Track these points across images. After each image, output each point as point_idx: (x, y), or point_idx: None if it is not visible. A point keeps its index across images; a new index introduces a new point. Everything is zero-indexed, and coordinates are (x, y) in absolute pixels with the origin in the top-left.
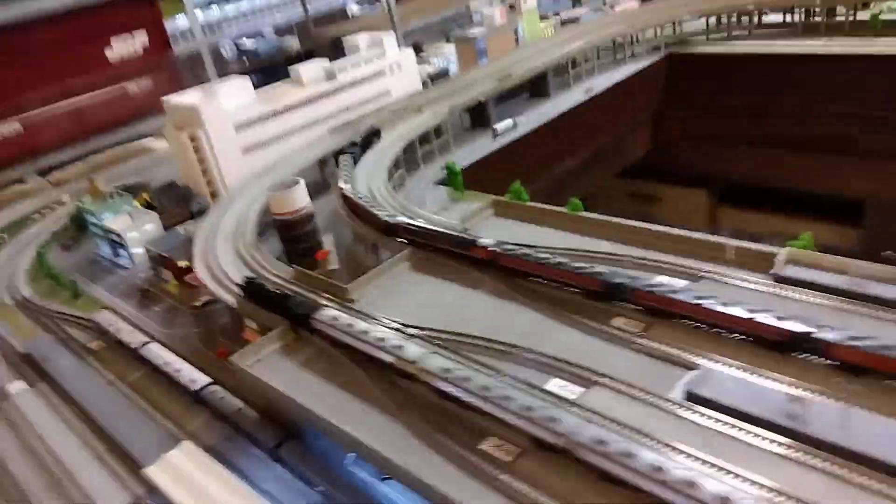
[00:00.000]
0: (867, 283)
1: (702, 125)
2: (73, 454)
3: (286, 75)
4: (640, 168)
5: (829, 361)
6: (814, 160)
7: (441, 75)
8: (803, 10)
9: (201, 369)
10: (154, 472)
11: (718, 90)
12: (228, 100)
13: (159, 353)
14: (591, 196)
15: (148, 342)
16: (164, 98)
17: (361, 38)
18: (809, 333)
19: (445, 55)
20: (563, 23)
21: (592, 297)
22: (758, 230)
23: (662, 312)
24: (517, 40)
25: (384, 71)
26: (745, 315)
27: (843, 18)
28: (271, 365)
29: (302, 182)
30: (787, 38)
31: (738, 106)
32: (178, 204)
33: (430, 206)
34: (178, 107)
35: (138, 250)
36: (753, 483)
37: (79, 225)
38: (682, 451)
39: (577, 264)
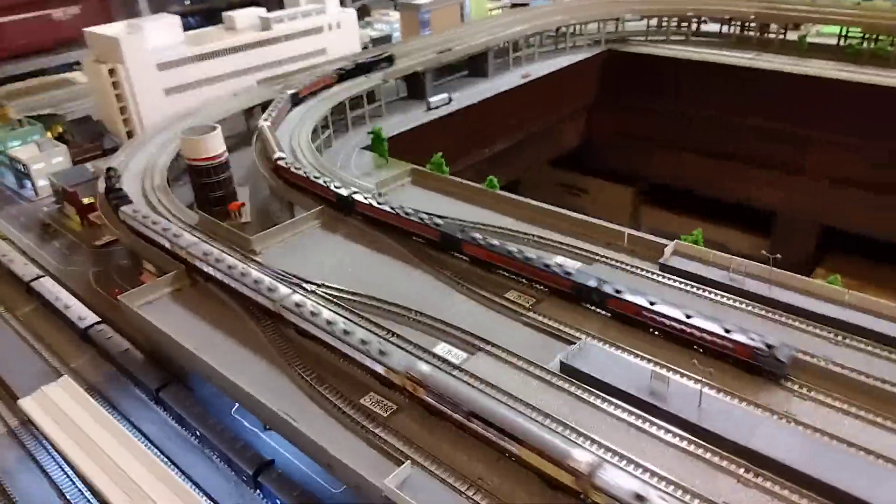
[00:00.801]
0: (745, 280)
1: (632, 124)
2: None
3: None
4: (572, 159)
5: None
6: (732, 169)
7: (383, 40)
8: (739, 23)
9: (93, 308)
10: (29, 404)
11: (651, 91)
12: (154, 37)
13: (50, 289)
14: (521, 182)
15: (40, 276)
16: (86, 29)
17: None
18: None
19: (390, 21)
20: (514, 5)
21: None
22: (675, 231)
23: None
24: (462, 16)
25: (322, 28)
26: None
27: (773, 36)
28: (161, 308)
29: (219, 129)
30: (720, 49)
31: (667, 110)
32: (91, 139)
33: (353, 171)
34: (99, 38)
35: (44, 182)
36: (615, 454)
37: None
38: (550, 417)
39: (423, 218)
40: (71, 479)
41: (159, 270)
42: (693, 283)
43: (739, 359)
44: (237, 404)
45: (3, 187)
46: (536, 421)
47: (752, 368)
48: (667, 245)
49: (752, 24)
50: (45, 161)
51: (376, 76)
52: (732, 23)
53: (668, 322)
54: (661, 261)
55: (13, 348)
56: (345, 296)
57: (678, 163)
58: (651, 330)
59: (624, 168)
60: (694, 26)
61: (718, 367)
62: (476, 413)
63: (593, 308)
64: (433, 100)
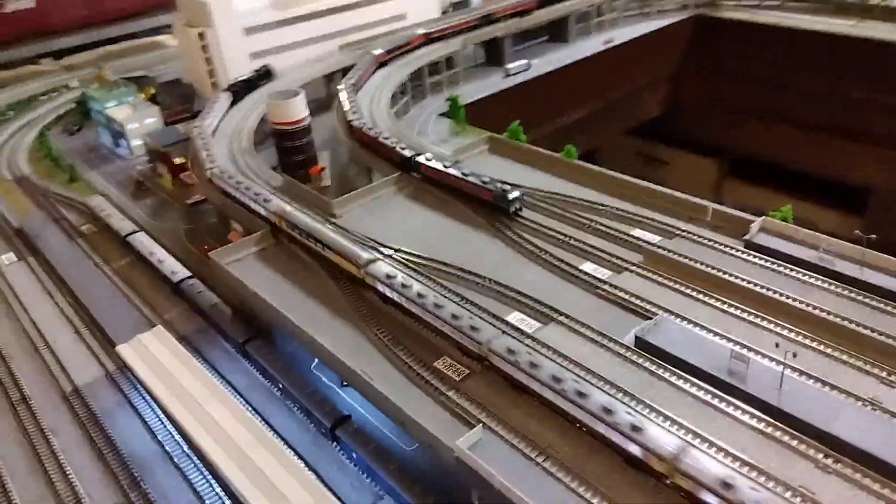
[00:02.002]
0: (835, 261)
1: (719, 93)
2: (54, 325)
3: None
4: (651, 129)
5: None
6: (827, 143)
7: (462, 5)
8: None
9: (184, 263)
10: (125, 350)
11: (741, 59)
12: (242, 1)
13: (145, 243)
14: (599, 151)
15: (136, 231)
16: None
17: None
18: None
19: None
20: None
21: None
22: (760, 207)
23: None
24: None
25: None
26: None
27: (876, 1)
28: (248, 265)
29: (302, 93)
30: (818, 15)
31: (758, 78)
32: (182, 101)
33: (430, 137)
34: (190, 2)
35: (137, 142)
36: (690, 432)
37: (83, 111)
38: (624, 392)
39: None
40: (162, 422)
41: (246, 230)
42: (780, 262)
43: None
44: (317, 360)
45: (100, 146)
46: (610, 395)
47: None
48: (753, 221)
49: None
50: (139, 122)
51: (456, 41)
52: None
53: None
54: (746, 237)
55: (110, 298)
56: (421, 261)
57: (769, 134)
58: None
59: (708, 139)
60: None
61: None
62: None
63: (671, 284)
64: (511, 66)
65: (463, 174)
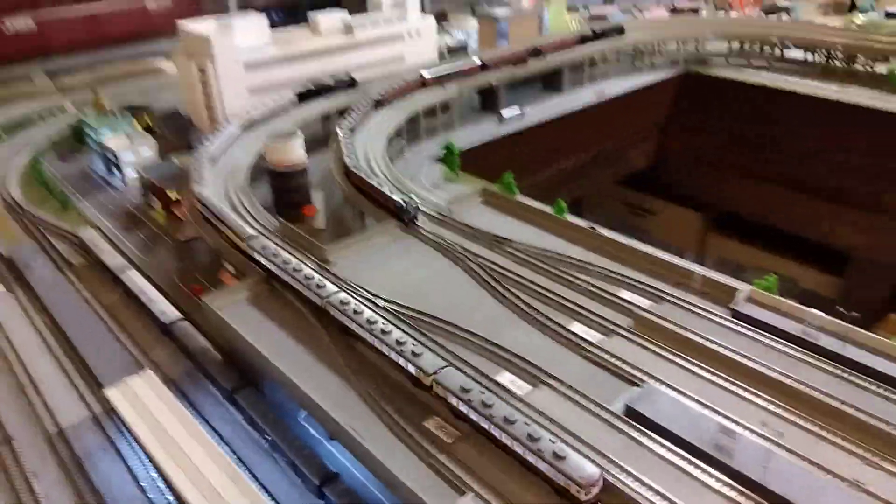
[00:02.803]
0: (819, 335)
1: (706, 149)
2: (40, 363)
3: (305, 14)
4: (639, 179)
5: None
6: (808, 204)
7: (459, 49)
8: (825, 52)
9: (174, 303)
10: (113, 394)
11: (729, 117)
12: (243, 37)
13: (136, 281)
14: (586, 199)
15: (127, 267)
16: (180, 22)
17: None
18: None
19: (467, 30)
20: (592, 18)
21: None
22: (743, 262)
23: None
24: (540, 28)
25: (403, 35)
26: None
27: (861, 68)
28: (240, 311)
29: (300, 136)
30: (805, 77)
31: (744, 136)
32: (178, 133)
33: (423, 182)
34: (191, 35)
35: (131, 172)
36: None
37: (77, 137)
38: (613, 461)
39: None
40: (146, 469)
41: (238, 272)
42: (766, 334)
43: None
44: (304, 412)
45: (93, 174)
46: (596, 464)
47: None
48: (739, 290)
49: (839, 55)
50: (134, 152)
51: (452, 88)
52: (818, 51)
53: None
54: (733, 306)
55: (99, 336)
56: (413, 314)
57: (752, 192)
58: None
59: (694, 193)
60: (777, 52)
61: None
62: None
63: (659, 351)
64: (505, 112)
65: (378, 184)
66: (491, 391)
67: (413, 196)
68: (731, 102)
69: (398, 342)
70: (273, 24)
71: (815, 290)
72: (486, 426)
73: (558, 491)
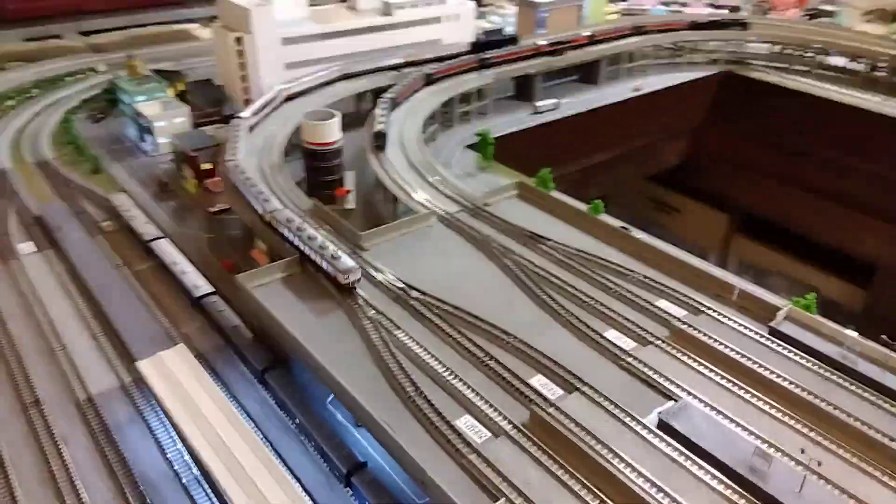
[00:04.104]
0: (858, 360)
1: (738, 151)
2: (71, 327)
3: None
4: (667, 175)
5: None
6: (839, 213)
7: (496, 33)
8: (869, 62)
9: (205, 275)
10: (146, 366)
11: (764, 120)
12: (282, 10)
13: (169, 251)
14: (612, 191)
15: (160, 237)
16: None
17: None
18: None
19: (505, 15)
20: (629, 10)
21: None
22: (766, 267)
23: None
24: (580, 19)
25: (441, 18)
26: None
27: None
28: (274, 291)
29: (338, 116)
30: (846, 86)
31: (779, 141)
32: (212, 104)
33: (454, 169)
34: (230, 6)
35: (164, 140)
36: None
37: (110, 99)
38: (644, 476)
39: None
40: (175, 443)
41: (271, 251)
42: (804, 355)
43: None
44: (333, 396)
45: (125, 138)
46: (629, 477)
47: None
48: (778, 307)
49: (882, 66)
50: (168, 120)
51: (489, 74)
52: (861, 60)
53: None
54: (772, 324)
55: (129, 304)
56: (448, 308)
57: (782, 197)
58: None
59: (722, 193)
60: (819, 58)
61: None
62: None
63: (695, 364)
64: (540, 104)
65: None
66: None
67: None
68: (769, 106)
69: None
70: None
71: (837, 299)
72: (296, 242)
73: (335, 283)
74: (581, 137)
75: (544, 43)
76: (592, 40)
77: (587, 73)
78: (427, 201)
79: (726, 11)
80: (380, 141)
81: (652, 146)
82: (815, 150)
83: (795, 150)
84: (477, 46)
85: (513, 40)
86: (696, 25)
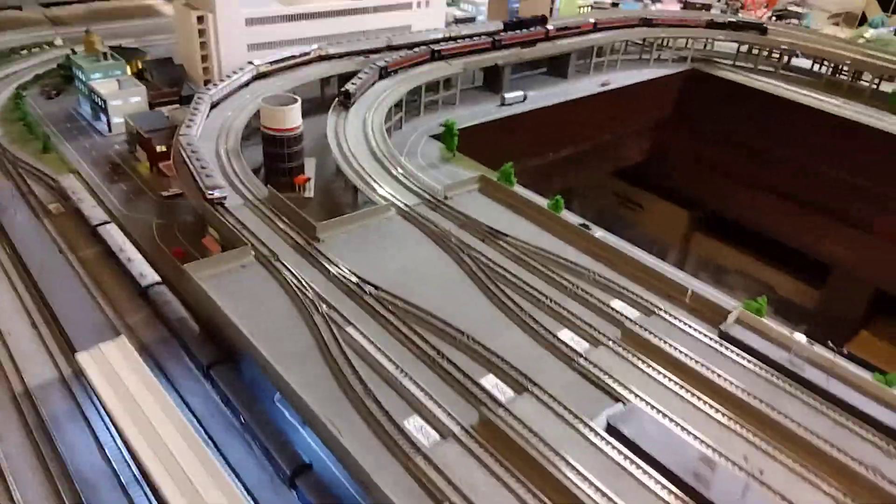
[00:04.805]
0: (805, 366)
1: (702, 149)
2: (9, 314)
3: None
4: (632, 171)
5: None
6: (799, 214)
7: (467, 20)
8: (832, 65)
9: (154, 264)
10: (85, 359)
11: (729, 120)
12: None
13: (115, 237)
14: (577, 185)
15: (107, 222)
16: None
17: None
18: None
19: (476, 3)
20: (598, 3)
21: None
22: (724, 264)
23: None
24: (552, 10)
25: (412, 5)
26: None
27: (867, 84)
28: (224, 283)
29: (298, 102)
30: (808, 88)
31: (741, 142)
32: (171, 84)
33: (418, 159)
34: None
35: (119, 120)
36: None
37: (65, 75)
38: (588, 480)
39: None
40: (114, 440)
41: (223, 240)
42: (750, 358)
43: None
44: (279, 395)
45: (79, 116)
46: (573, 482)
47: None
48: (730, 311)
49: (846, 69)
50: (123, 99)
51: (457, 63)
52: (825, 63)
53: None
54: (721, 327)
55: (73, 292)
56: (400, 304)
57: (743, 196)
58: None
59: (684, 191)
60: (785, 59)
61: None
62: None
63: (645, 367)
64: (508, 96)
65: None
66: None
67: (407, 176)
68: (732, 106)
69: None
70: None
71: (791, 298)
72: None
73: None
74: (548, 131)
75: (552, 28)
76: (596, 28)
77: (556, 67)
78: (387, 192)
79: (701, 9)
80: (346, 99)
81: (617, 142)
82: (777, 150)
83: (758, 151)
84: (507, 26)
85: (543, 20)
86: (713, 25)
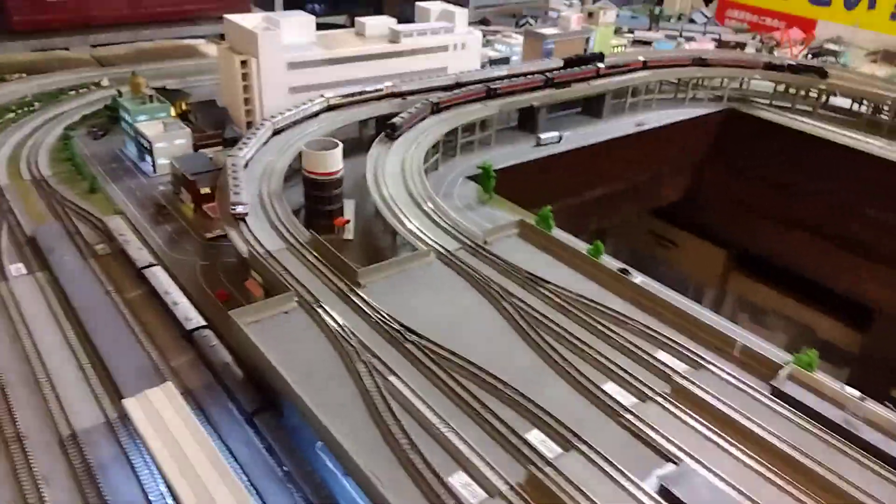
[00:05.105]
0: (861, 426)
1: (739, 189)
2: (57, 356)
3: (347, 8)
4: (666, 209)
5: None
6: (840, 256)
7: (501, 62)
8: (872, 104)
9: (198, 306)
10: (132, 405)
11: (766, 160)
12: (289, 35)
13: (161, 279)
14: (611, 224)
15: (153, 265)
16: (226, 17)
17: (434, 7)
18: None
19: (511, 44)
20: (635, 42)
21: None
22: (763, 305)
23: None
24: (585, 50)
25: (448, 47)
26: None
27: None
28: (268, 329)
29: (340, 146)
30: (848, 129)
31: (780, 182)
32: (214, 125)
33: (455, 201)
34: (238, 29)
35: (164, 161)
36: None
37: (111, 116)
38: None
39: None
40: (158, 486)
41: (265, 283)
42: (807, 418)
43: None
44: (321, 443)
45: (124, 156)
46: None
47: None
48: (780, 365)
49: (887, 108)
50: (168, 141)
51: (494, 104)
52: (865, 102)
53: None
54: (774, 383)
55: (118, 333)
56: (443, 353)
57: (781, 237)
58: None
59: (720, 230)
60: (823, 98)
61: None
62: None
63: (696, 424)
64: (544, 136)
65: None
66: None
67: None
68: (771, 145)
69: None
70: (314, 14)
71: (833, 341)
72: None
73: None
74: (583, 171)
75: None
76: (646, 66)
77: (591, 106)
78: (426, 236)
79: (735, 48)
80: (392, 132)
81: (653, 181)
82: (816, 191)
83: (797, 191)
84: (568, 63)
85: (600, 57)
86: (770, 66)
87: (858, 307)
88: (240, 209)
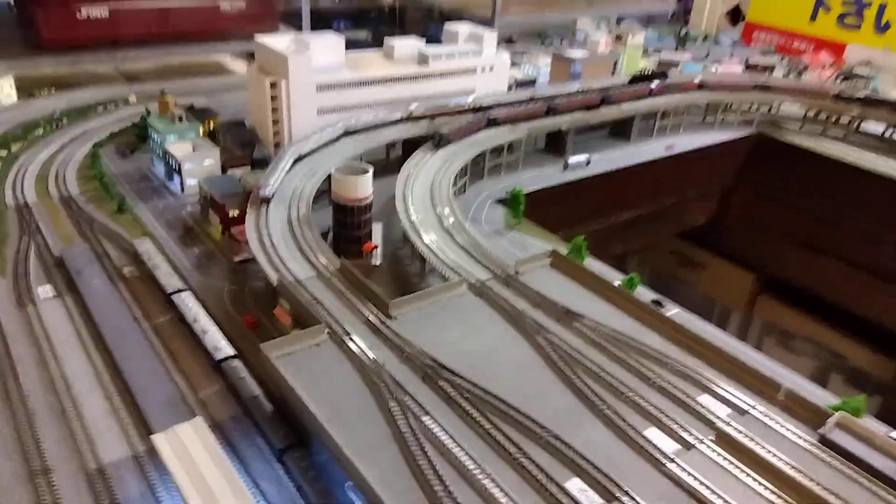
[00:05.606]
0: None
1: (768, 214)
2: (85, 383)
3: (371, 25)
4: (694, 231)
5: None
6: (869, 283)
7: (528, 83)
8: None
9: (227, 334)
10: (160, 441)
11: (796, 185)
12: (318, 56)
13: (191, 305)
14: (638, 246)
15: (182, 290)
16: (256, 39)
17: (462, 29)
18: None
19: (538, 65)
20: (660, 64)
21: None
22: (791, 329)
23: None
24: (613, 72)
25: (476, 69)
26: None
27: None
28: (298, 362)
29: (370, 172)
30: (881, 154)
31: (810, 208)
32: (242, 146)
33: (483, 226)
34: (268, 51)
35: (192, 181)
36: None
37: (139, 134)
38: None
39: None
40: None
41: (294, 312)
42: (857, 469)
43: None
44: (351, 483)
45: (153, 176)
46: None
47: None
48: (827, 412)
49: None
50: (197, 161)
51: (523, 128)
52: None
53: None
54: (822, 431)
55: (146, 362)
56: (477, 391)
57: (811, 264)
58: None
59: (748, 254)
60: (855, 124)
61: None
62: None
63: (741, 475)
64: (572, 160)
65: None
66: None
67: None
68: (801, 171)
69: None
70: (338, 31)
71: (864, 368)
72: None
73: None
74: (611, 195)
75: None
76: (701, 87)
77: (619, 129)
78: (457, 265)
79: (765, 73)
80: (439, 141)
81: (681, 205)
82: (846, 219)
83: (826, 219)
84: (634, 79)
85: (663, 75)
86: (840, 98)
87: (890, 336)
88: (266, 191)
